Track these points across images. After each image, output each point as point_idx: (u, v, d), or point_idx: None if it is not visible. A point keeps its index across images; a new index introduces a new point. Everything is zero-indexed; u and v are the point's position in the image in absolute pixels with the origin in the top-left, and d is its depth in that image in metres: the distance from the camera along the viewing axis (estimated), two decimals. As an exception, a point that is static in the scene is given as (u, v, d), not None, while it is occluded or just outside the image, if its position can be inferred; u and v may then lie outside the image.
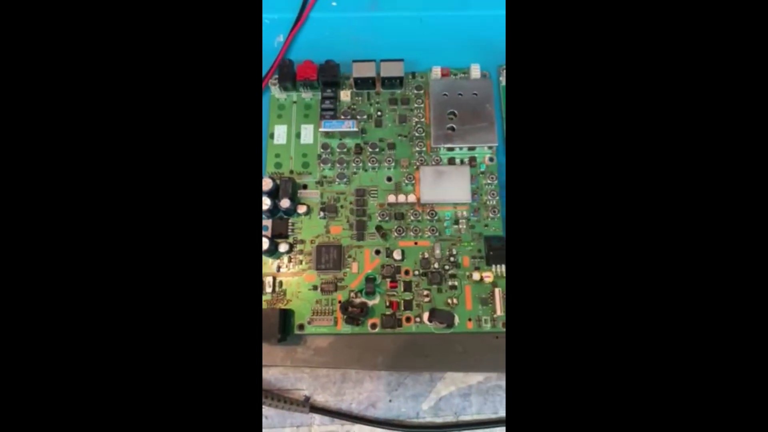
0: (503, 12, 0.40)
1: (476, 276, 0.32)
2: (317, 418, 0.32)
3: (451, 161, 0.35)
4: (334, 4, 0.40)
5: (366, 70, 0.35)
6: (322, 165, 0.35)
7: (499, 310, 0.31)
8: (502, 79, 0.37)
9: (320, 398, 0.32)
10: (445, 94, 0.35)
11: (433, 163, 0.35)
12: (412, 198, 0.34)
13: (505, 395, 0.32)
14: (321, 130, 0.34)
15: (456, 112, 0.35)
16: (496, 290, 0.32)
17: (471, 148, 0.35)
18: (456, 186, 0.33)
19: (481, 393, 0.32)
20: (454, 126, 0.34)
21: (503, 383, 0.32)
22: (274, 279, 0.32)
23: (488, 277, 0.32)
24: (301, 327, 0.32)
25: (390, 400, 0.32)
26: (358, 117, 0.36)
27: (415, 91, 0.36)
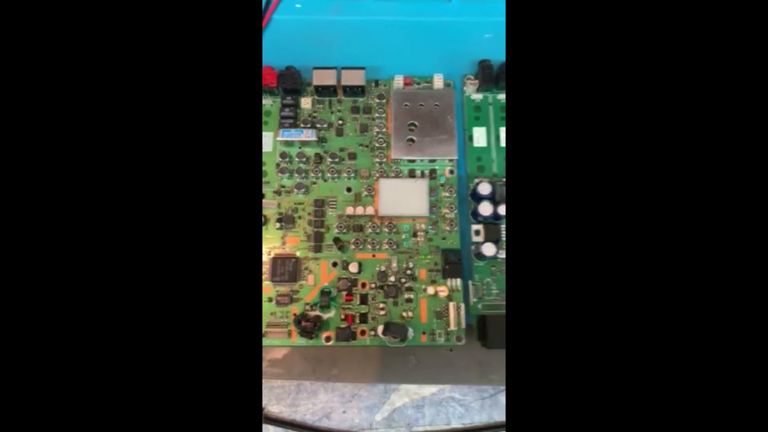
0: (474, 19, 0.40)
1: (431, 290, 0.32)
2: (271, 429, 0.32)
3: (412, 173, 0.35)
4: (298, 6, 0.39)
5: (326, 78, 0.35)
6: (280, 174, 0.34)
7: (453, 325, 0.32)
8: (467, 89, 0.36)
9: (275, 409, 0.32)
10: (406, 105, 0.35)
11: (393, 174, 0.34)
12: (370, 210, 0.34)
13: (457, 406, 0.32)
14: (279, 139, 0.34)
15: (416, 123, 0.34)
16: (451, 304, 0.32)
17: (432, 160, 0.35)
18: (414, 199, 0.33)
19: (434, 404, 0.32)
20: (414, 138, 0.34)
21: (456, 395, 0.33)
22: (230, 290, 0.32)
23: (443, 291, 0.32)
24: (256, 339, 0.32)
25: (344, 411, 0.32)
26: (318, 125, 0.35)
27: (378, 100, 0.36)
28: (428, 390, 0.33)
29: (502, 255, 0.33)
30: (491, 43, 0.38)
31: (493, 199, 0.33)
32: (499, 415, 0.32)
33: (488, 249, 0.32)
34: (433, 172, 0.35)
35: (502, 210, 0.32)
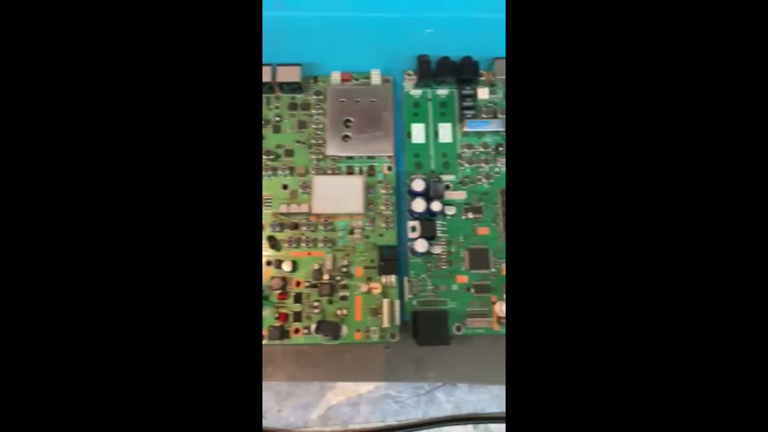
0: (416, 14, 0.39)
1: (363, 287, 0.32)
2: (205, 429, 0.32)
3: (351, 169, 0.34)
4: (238, 1, 0.39)
5: (262, 75, 0.34)
6: (215, 172, 0.34)
7: (386, 322, 0.31)
8: (406, 85, 0.36)
9: (209, 409, 0.32)
10: (342, 100, 0.34)
11: (330, 171, 0.34)
12: (305, 207, 0.33)
13: (392, 403, 0.32)
14: (213, 136, 0.33)
15: (352, 119, 0.34)
16: (385, 301, 0.32)
17: (370, 157, 0.34)
18: (348, 196, 0.33)
19: (371, 402, 0.32)
20: (349, 134, 0.34)
21: (392, 392, 0.32)
22: (162, 290, 0.32)
23: (376, 288, 0.32)
24: (189, 339, 0.31)
25: (279, 410, 0.32)
26: (254, 123, 0.35)
27: (315, 97, 0.36)
28: (365, 387, 0.33)
29: (437, 251, 0.33)
30: (432, 38, 0.38)
31: (426, 195, 0.33)
32: (435, 412, 0.32)
33: (420, 245, 0.32)
34: (371, 168, 0.35)
35: (435, 206, 0.32)
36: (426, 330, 0.30)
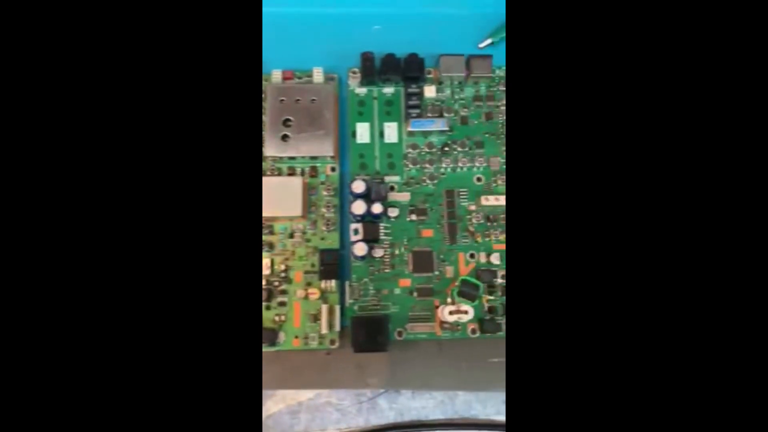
0: (365, 10, 0.38)
1: (300, 293, 0.31)
2: (139, 440, 0.31)
3: (292, 170, 0.33)
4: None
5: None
6: (150, 174, 0.33)
7: (325, 328, 0.31)
8: (351, 83, 0.35)
9: (143, 420, 0.31)
10: (282, 99, 0.33)
11: (269, 172, 0.33)
12: (243, 210, 0.32)
13: (333, 411, 0.31)
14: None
15: (292, 118, 0.33)
16: (324, 307, 0.31)
17: (314, 158, 0.33)
18: (286, 198, 0.32)
19: (311, 410, 0.32)
20: (288, 134, 0.33)
21: (333, 399, 0.32)
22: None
23: (313, 294, 0.31)
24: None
25: (216, 420, 0.31)
26: (192, 123, 0.34)
27: (255, 96, 0.34)
28: (305, 395, 0.32)
29: (378, 254, 0.32)
30: (380, 34, 0.37)
31: (367, 197, 0.32)
32: (377, 419, 0.31)
33: (359, 249, 0.31)
34: (313, 169, 0.34)
35: (376, 209, 0.31)
36: (362, 336, 0.29)
